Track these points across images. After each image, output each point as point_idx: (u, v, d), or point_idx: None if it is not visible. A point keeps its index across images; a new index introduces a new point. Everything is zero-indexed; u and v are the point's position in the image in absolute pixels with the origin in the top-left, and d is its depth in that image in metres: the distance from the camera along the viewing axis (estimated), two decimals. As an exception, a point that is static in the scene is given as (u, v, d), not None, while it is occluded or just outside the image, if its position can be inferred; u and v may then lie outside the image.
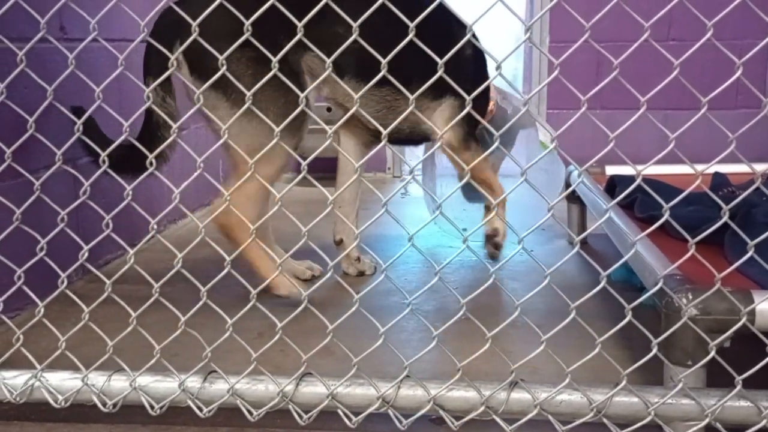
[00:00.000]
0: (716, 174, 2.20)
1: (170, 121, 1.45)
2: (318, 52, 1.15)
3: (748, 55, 1.05)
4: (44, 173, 1.28)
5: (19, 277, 1.30)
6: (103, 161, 1.22)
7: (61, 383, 1.29)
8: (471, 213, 2.71)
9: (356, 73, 2.00)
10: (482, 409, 1.16)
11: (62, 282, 1.26)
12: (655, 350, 1.10)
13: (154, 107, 1.69)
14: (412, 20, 1.04)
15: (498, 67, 1.03)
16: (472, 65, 2.19)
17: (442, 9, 2.11)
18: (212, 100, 1.83)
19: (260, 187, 1.87)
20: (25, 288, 1.30)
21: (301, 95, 1.15)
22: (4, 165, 1.27)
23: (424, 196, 3.10)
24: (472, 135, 2.26)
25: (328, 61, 1.09)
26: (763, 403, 1.11)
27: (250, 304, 1.19)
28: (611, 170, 2.49)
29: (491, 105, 2.50)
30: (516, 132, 2.54)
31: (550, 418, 1.15)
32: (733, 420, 1.12)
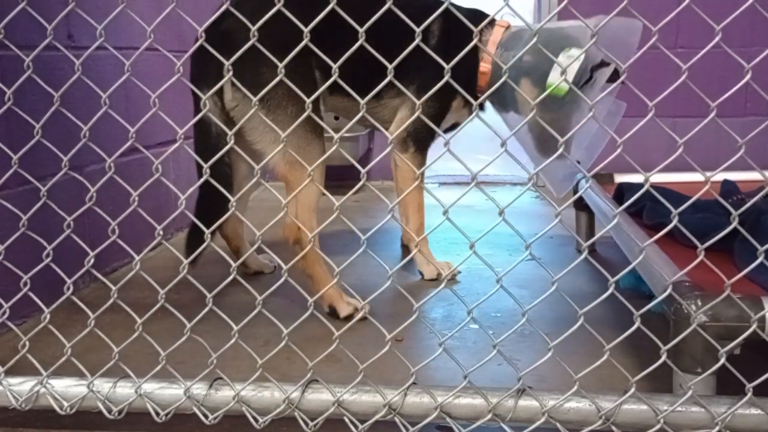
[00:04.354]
0: (725, 181, 2.19)
1: (227, 129, 1.42)
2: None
3: (758, 59, 1.04)
4: (51, 180, 1.28)
5: (26, 284, 1.30)
6: (109, 167, 1.22)
7: (67, 390, 1.29)
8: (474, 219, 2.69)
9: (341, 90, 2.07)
10: (489, 416, 1.15)
11: (68, 288, 1.26)
12: (664, 357, 1.09)
13: (212, 116, 1.79)
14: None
15: (504, 72, 1.03)
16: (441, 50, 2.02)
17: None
18: (247, 109, 1.80)
19: (317, 194, 1.88)
20: (32, 294, 1.30)
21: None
22: (11, 171, 1.28)
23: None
24: (416, 137, 2.18)
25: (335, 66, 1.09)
26: (774, 411, 1.10)
27: (256, 311, 1.19)
28: (620, 179, 2.48)
29: (483, 66, 2.11)
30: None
31: (558, 425, 1.14)
32: (744, 428, 1.11)
